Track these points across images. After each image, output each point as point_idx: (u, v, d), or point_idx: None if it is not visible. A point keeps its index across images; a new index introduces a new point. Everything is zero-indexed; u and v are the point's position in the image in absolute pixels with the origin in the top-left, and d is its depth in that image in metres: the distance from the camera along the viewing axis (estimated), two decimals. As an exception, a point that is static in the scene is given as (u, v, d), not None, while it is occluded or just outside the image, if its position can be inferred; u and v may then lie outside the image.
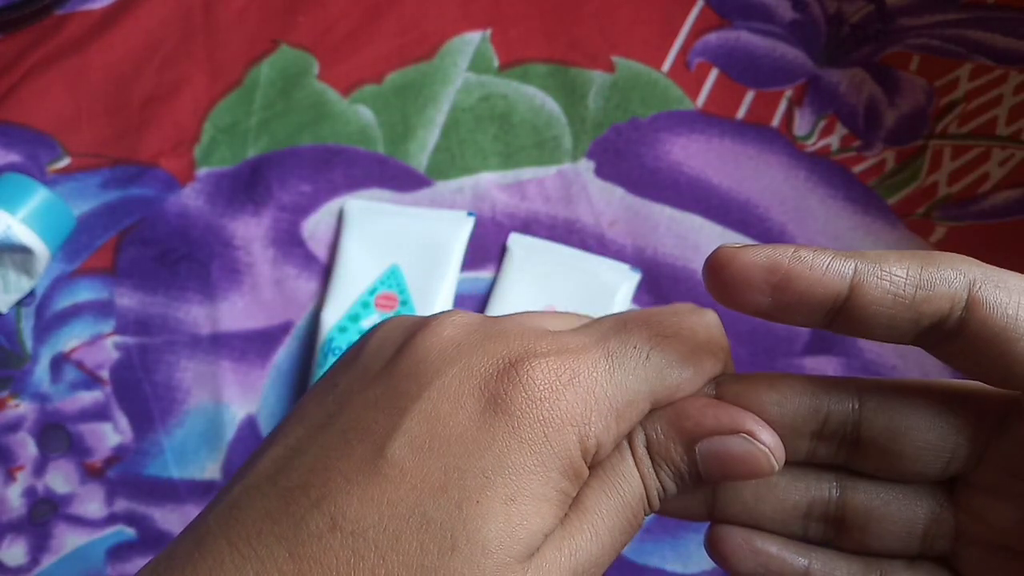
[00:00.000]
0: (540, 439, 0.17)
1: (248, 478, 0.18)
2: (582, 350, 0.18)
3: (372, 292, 0.39)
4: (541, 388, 0.17)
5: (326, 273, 0.41)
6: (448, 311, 0.20)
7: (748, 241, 0.40)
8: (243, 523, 0.17)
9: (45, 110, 0.44)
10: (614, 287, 0.39)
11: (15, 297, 0.41)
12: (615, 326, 0.19)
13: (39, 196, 0.40)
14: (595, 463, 0.19)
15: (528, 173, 0.42)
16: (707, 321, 0.20)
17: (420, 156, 0.42)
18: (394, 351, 0.19)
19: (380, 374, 0.19)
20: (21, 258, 0.40)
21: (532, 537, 0.17)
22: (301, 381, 0.40)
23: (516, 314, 0.21)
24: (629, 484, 0.19)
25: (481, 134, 0.42)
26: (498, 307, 0.39)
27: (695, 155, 0.42)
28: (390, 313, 0.38)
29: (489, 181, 0.42)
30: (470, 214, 0.40)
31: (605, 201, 0.41)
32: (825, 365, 0.39)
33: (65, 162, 0.43)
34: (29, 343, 0.41)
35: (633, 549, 0.38)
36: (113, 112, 0.44)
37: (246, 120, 0.43)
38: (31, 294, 0.41)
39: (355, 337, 0.38)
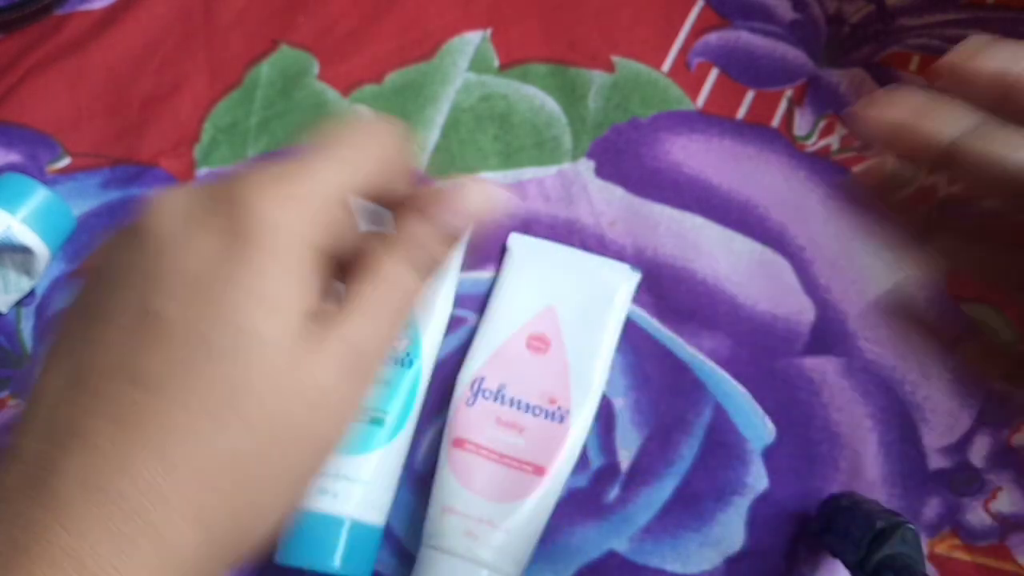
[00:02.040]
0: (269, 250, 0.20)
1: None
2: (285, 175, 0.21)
3: None
4: (257, 211, 0.20)
5: None
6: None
7: (748, 241, 0.40)
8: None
9: (45, 110, 0.44)
10: (614, 287, 0.39)
11: (15, 297, 0.41)
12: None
13: (39, 196, 0.40)
14: (339, 251, 0.22)
15: (528, 173, 0.42)
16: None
17: (420, 156, 0.42)
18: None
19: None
20: (21, 258, 0.40)
21: (292, 312, 0.20)
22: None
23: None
24: (390, 276, 0.23)
25: (481, 134, 0.42)
26: (498, 307, 0.39)
27: (695, 155, 0.42)
28: None
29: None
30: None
31: (605, 201, 0.41)
32: (825, 365, 0.39)
33: (65, 162, 0.43)
34: (29, 343, 0.41)
35: (633, 549, 0.38)
36: (113, 112, 0.44)
37: (246, 120, 0.43)
38: (31, 294, 0.41)
39: None
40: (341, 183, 0.22)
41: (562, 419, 0.37)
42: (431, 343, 0.38)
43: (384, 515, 0.36)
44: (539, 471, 0.36)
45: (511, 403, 0.37)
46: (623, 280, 0.39)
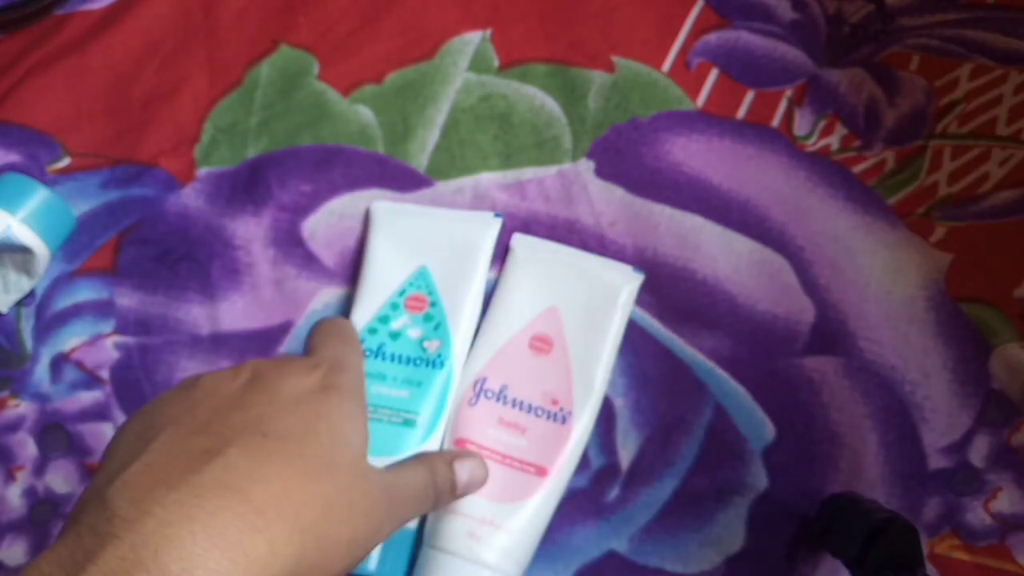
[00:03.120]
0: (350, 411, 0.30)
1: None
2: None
3: (401, 293, 0.39)
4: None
5: (351, 275, 0.41)
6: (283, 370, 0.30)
7: (748, 241, 0.40)
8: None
9: (45, 110, 0.44)
10: (617, 288, 0.39)
11: (15, 297, 0.41)
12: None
13: (39, 196, 0.40)
14: None
15: (528, 173, 0.42)
16: None
17: (420, 156, 0.42)
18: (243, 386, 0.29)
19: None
20: (21, 258, 0.40)
21: (360, 447, 0.29)
22: (301, 381, 0.40)
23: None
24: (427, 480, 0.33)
25: (481, 134, 0.42)
26: (500, 307, 0.39)
27: (695, 155, 0.42)
28: (419, 315, 0.38)
29: (489, 181, 0.42)
30: (497, 215, 0.40)
31: (605, 201, 0.41)
32: (825, 365, 0.39)
33: (65, 162, 0.43)
34: (29, 343, 0.41)
35: (633, 549, 0.38)
36: (113, 112, 0.44)
37: (246, 120, 0.43)
38: (31, 294, 0.41)
39: (386, 339, 0.38)
40: (363, 362, 0.35)
41: (564, 420, 0.37)
42: (461, 343, 0.38)
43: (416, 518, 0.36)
44: (541, 472, 0.36)
45: (513, 404, 0.37)
46: (626, 282, 0.39)
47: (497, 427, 0.37)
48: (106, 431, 0.40)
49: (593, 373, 0.37)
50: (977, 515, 0.38)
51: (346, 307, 0.40)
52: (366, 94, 0.43)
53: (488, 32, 0.44)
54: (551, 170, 0.42)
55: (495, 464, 0.36)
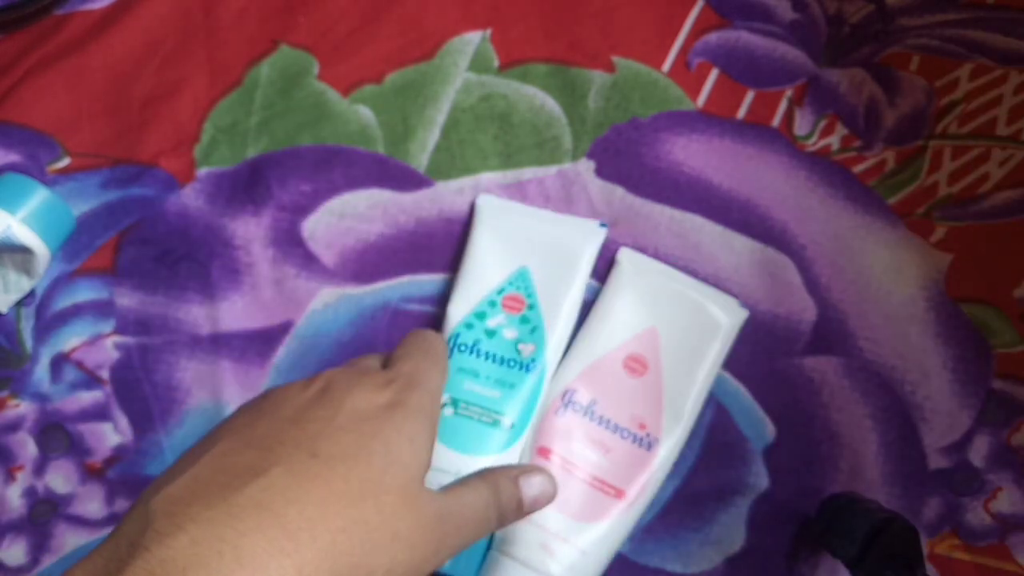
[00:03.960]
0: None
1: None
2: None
3: (500, 292, 0.38)
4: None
5: (452, 266, 0.40)
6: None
7: (749, 241, 0.40)
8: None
9: (45, 110, 0.44)
10: (720, 320, 0.37)
11: (15, 297, 0.41)
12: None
13: (39, 196, 0.39)
14: None
15: (528, 173, 0.42)
16: None
17: (420, 156, 0.42)
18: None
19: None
20: (21, 258, 0.40)
21: (418, 471, 0.28)
22: (301, 381, 0.40)
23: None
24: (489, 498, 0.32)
25: (481, 134, 0.42)
26: (599, 321, 0.38)
27: (695, 155, 0.42)
28: (516, 316, 0.38)
29: (489, 181, 0.42)
30: (602, 225, 0.40)
31: (605, 201, 0.41)
32: (825, 365, 0.39)
33: (65, 162, 0.43)
34: (29, 343, 0.41)
35: (633, 549, 0.38)
36: (113, 112, 0.44)
37: (246, 120, 0.43)
38: (31, 294, 0.41)
39: (481, 335, 0.38)
40: (444, 381, 0.33)
41: (650, 447, 0.36)
42: (554, 351, 0.38)
43: None
44: (620, 494, 0.36)
45: (600, 421, 0.37)
46: (731, 315, 0.38)
47: (582, 442, 0.37)
48: (106, 431, 0.40)
49: (684, 403, 0.37)
50: (977, 515, 0.38)
51: (348, 304, 0.40)
52: (366, 94, 0.43)
53: (488, 32, 0.44)
54: (551, 170, 0.42)
55: (575, 480, 0.36)
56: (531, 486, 0.33)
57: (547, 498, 0.33)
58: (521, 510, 0.33)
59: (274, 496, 0.24)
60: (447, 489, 0.30)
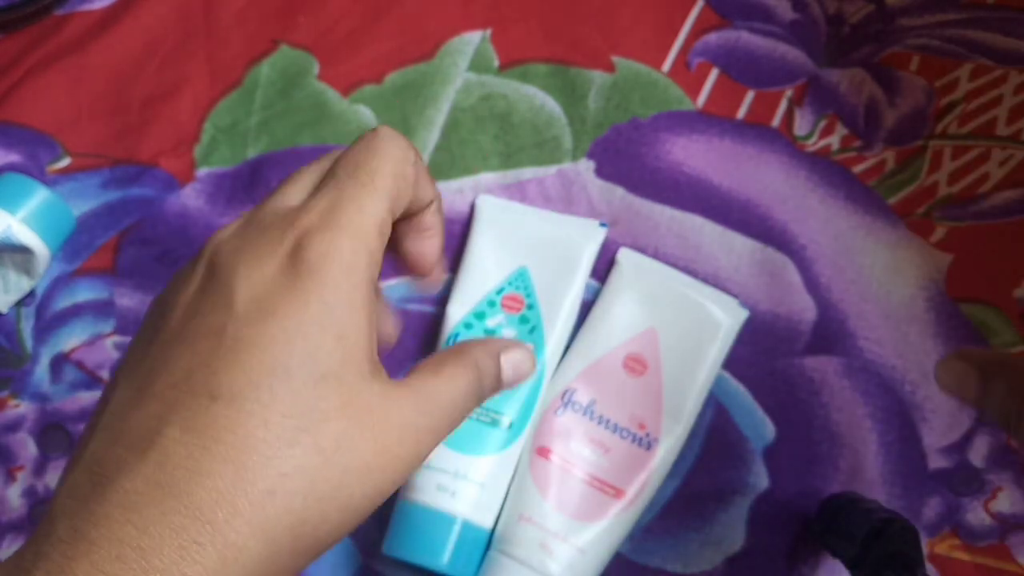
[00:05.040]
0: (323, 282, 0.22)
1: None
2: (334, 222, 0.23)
3: (499, 292, 0.38)
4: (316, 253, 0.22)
5: (452, 266, 0.40)
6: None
7: (749, 241, 0.40)
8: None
9: (45, 110, 0.44)
10: (721, 321, 0.37)
11: (15, 297, 0.41)
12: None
13: (39, 196, 0.39)
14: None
15: (528, 173, 0.42)
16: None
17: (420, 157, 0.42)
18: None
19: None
20: (21, 258, 0.40)
21: (360, 344, 0.22)
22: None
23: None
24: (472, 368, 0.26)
25: (481, 134, 0.42)
26: (599, 321, 0.38)
27: (695, 155, 0.42)
28: (516, 316, 0.38)
29: (489, 181, 0.42)
30: (602, 224, 0.40)
31: (605, 201, 0.41)
32: (825, 365, 0.39)
33: (65, 162, 0.43)
34: (29, 343, 0.41)
35: (633, 549, 0.38)
36: (113, 112, 0.44)
37: (246, 120, 0.43)
38: (31, 294, 0.41)
39: (480, 335, 0.38)
40: (381, 214, 0.24)
41: (649, 446, 0.36)
42: (553, 350, 0.38)
43: (494, 518, 0.36)
44: (619, 494, 0.36)
45: (599, 420, 0.37)
46: (731, 316, 0.38)
47: (581, 442, 0.37)
48: (106, 431, 0.40)
49: (684, 403, 0.37)
50: (977, 515, 0.38)
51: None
52: (366, 94, 0.43)
53: (488, 32, 0.44)
54: (551, 170, 0.42)
55: (575, 479, 0.36)
56: (510, 364, 0.29)
57: (525, 376, 0.29)
58: (499, 388, 0.28)
59: (175, 470, 0.19)
60: (416, 376, 0.24)
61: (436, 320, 0.40)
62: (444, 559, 0.34)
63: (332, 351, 0.21)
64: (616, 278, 0.39)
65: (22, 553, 0.19)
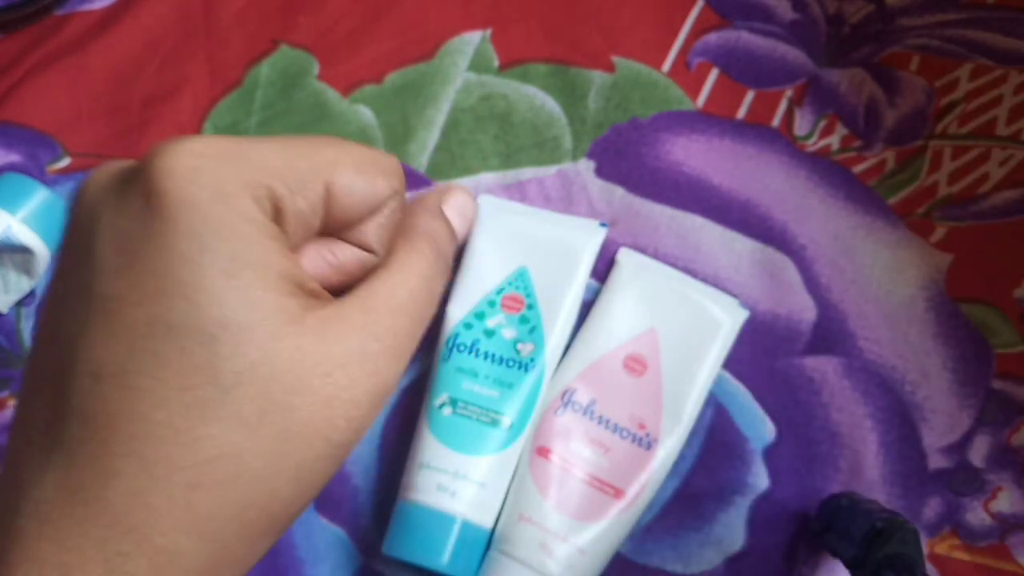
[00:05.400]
0: (219, 212, 0.17)
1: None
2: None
3: (499, 292, 0.38)
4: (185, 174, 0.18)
5: (453, 265, 0.40)
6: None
7: (749, 241, 0.40)
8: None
9: (45, 110, 0.44)
10: (721, 321, 0.37)
11: (15, 297, 0.41)
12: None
13: (39, 196, 0.40)
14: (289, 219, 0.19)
15: (528, 173, 0.42)
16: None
17: (420, 156, 0.42)
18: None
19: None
20: (21, 258, 0.40)
21: (264, 272, 0.17)
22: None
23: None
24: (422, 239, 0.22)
25: (481, 134, 0.42)
26: (599, 321, 0.38)
27: (695, 155, 0.42)
28: (516, 316, 0.38)
29: (489, 181, 0.42)
30: (602, 224, 0.40)
31: (605, 201, 0.41)
32: (826, 365, 0.39)
33: (65, 162, 0.43)
34: (29, 343, 0.41)
35: (633, 549, 0.38)
36: (113, 112, 0.44)
37: (246, 120, 0.43)
38: (31, 294, 0.41)
39: (480, 335, 0.38)
40: (274, 156, 0.19)
41: (649, 446, 0.36)
42: (553, 350, 0.38)
43: (494, 518, 0.36)
44: (619, 494, 0.36)
45: (599, 420, 0.37)
46: (731, 316, 0.38)
47: (581, 442, 0.37)
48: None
49: (684, 403, 0.37)
50: (977, 515, 0.38)
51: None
52: (366, 94, 0.43)
53: (488, 32, 0.44)
54: (551, 170, 0.42)
55: (575, 479, 0.36)
56: (458, 210, 0.25)
57: (471, 215, 0.25)
58: (456, 244, 0.24)
59: (80, 471, 0.16)
60: (363, 286, 0.20)
61: (436, 320, 0.40)
62: (444, 559, 0.34)
63: (222, 292, 0.17)
64: (616, 278, 0.39)
65: None
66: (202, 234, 0.17)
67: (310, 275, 0.19)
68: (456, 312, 0.38)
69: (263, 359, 0.17)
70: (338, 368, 0.18)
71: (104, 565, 0.16)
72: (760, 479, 0.38)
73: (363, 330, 0.19)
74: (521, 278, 0.38)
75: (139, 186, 0.17)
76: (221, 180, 0.17)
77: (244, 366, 0.17)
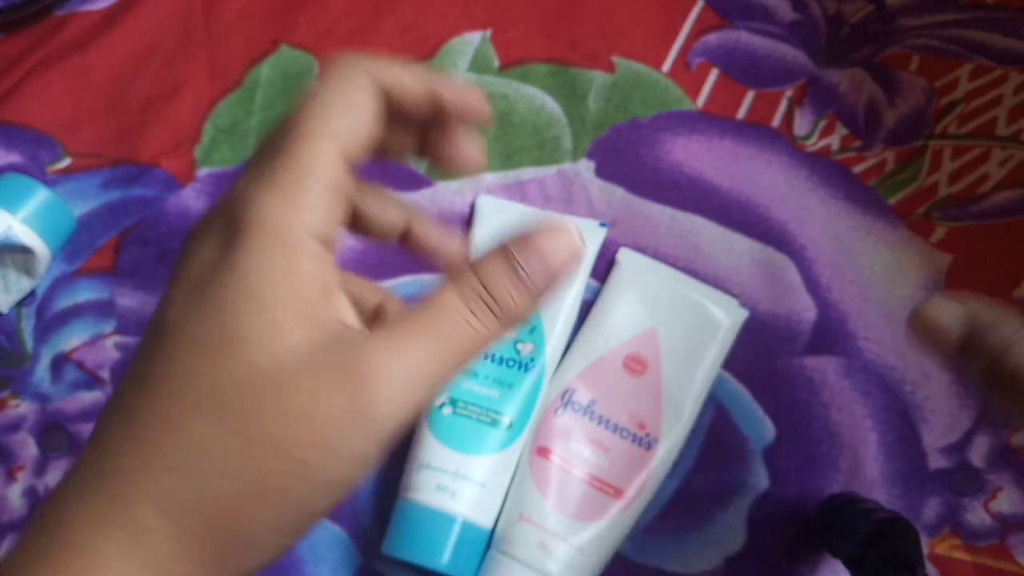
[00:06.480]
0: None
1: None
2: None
3: None
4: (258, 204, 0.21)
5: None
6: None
7: (749, 241, 0.41)
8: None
9: (45, 110, 0.44)
10: (720, 321, 0.38)
11: (16, 297, 0.41)
12: None
13: (40, 196, 0.40)
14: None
15: (528, 173, 0.42)
16: None
17: (420, 156, 0.42)
18: None
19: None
20: (22, 258, 0.40)
21: (287, 313, 0.20)
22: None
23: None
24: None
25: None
26: (599, 321, 0.38)
27: (695, 155, 0.42)
28: None
29: (489, 181, 0.42)
30: (602, 224, 0.40)
31: (605, 201, 0.41)
32: (825, 365, 0.39)
33: (66, 162, 0.43)
34: (29, 343, 0.41)
35: (633, 549, 0.38)
36: (113, 112, 0.44)
37: (246, 120, 0.43)
38: (32, 294, 0.41)
39: None
40: (328, 157, 0.21)
41: (649, 446, 0.36)
42: (554, 350, 0.38)
43: (494, 518, 0.36)
44: (618, 494, 0.36)
45: (599, 420, 0.37)
46: (730, 316, 0.38)
47: (581, 442, 0.37)
48: (107, 431, 0.40)
49: (684, 403, 0.37)
50: (977, 515, 0.38)
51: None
52: (366, 94, 0.43)
53: (488, 32, 0.44)
54: (551, 170, 0.42)
55: (574, 479, 0.36)
56: (554, 251, 0.21)
57: (576, 256, 0.21)
58: (534, 306, 0.21)
59: (102, 453, 0.20)
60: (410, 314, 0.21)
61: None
62: (444, 559, 0.34)
63: (249, 325, 0.19)
64: (616, 278, 0.39)
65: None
66: (250, 280, 0.20)
67: (337, 313, 0.21)
68: None
69: (263, 374, 0.19)
70: (334, 433, 0.19)
71: (92, 530, 0.19)
72: (760, 479, 0.38)
73: (361, 401, 0.20)
74: None
75: (220, 226, 0.22)
76: (279, 223, 0.21)
77: (252, 379, 0.19)
